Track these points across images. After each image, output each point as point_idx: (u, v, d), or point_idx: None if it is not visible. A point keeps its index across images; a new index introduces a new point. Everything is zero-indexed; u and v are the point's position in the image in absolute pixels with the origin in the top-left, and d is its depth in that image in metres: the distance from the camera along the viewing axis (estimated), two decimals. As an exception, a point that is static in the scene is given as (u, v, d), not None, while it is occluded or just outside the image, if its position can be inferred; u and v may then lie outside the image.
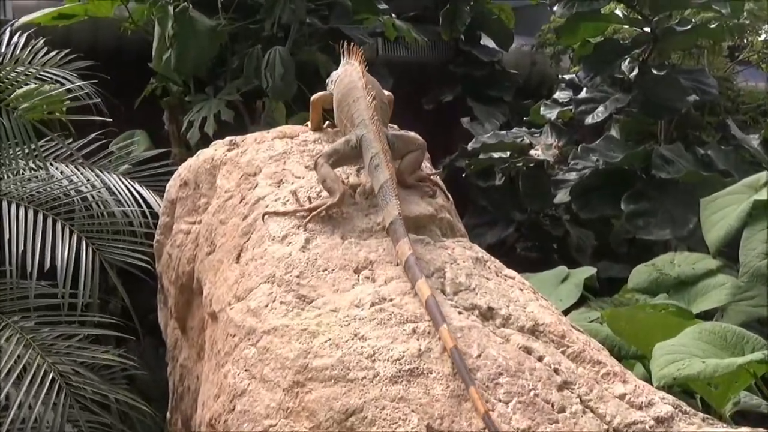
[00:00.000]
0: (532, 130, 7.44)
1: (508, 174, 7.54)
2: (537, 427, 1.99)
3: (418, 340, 2.13)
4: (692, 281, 4.28)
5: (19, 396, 3.83)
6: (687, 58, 7.97)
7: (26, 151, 4.55)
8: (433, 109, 8.99)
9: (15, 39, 4.92)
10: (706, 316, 4.08)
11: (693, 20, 7.01)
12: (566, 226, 7.44)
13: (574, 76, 7.36)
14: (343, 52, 3.04)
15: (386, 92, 2.95)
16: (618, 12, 7.51)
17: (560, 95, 7.28)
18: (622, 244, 7.02)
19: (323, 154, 2.62)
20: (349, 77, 2.83)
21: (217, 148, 3.16)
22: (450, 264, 2.44)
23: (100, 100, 4.83)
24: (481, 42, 9.23)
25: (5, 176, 4.61)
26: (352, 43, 3.01)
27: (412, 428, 1.95)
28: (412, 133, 2.88)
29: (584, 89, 6.92)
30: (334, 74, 3.05)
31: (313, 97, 3.07)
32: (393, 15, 7.00)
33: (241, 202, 2.82)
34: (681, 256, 4.57)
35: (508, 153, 7.22)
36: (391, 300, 2.26)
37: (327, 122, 3.09)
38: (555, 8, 6.70)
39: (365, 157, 2.57)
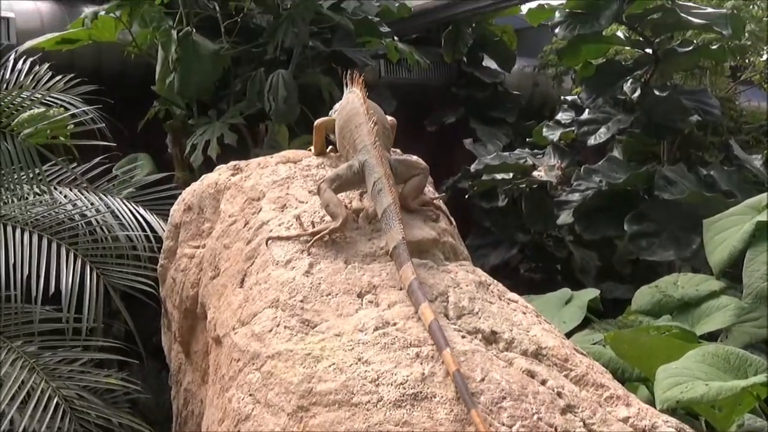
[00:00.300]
0: (535, 151, 7.46)
1: (511, 195, 7.56)
2: (541, 451, 1.99)
3: (421, 364, 2.13)
4: (696, 303, 4.27)
5: (24, 420, 3.83)
6: (689, 79, 8.01)
7: (31, 175, 4.57)
8: (435, 130, 9.02)
9: (19, 64, 4.93)
10: (710, 337, 4.07)
11: (694, 41, 7.05)
12: (570, 248, 7.44)
13: (576, 97, 7.38)
14: (346, 81, 3.05)
15: (389, 117, 2.97)
16: (619, 33, 7.54)
17: (563, 116, 7.30)
18: (625, 265, 7.01)
19: (326, 180, 2.63)
20: (351, 104, 2.85)
21: (221, 173, 3.18)
22: (453, 288, 2.45)
23: (104, 124, 4.85)
24: (484, 63, 9.26)
25: (10, 201, 4.62)
26: (353, 71, 3.02)
27: (416, 453, 1.96)
28: (414, 158, 2.90)
29: (586, 110, 6.94)
30: (337, 105, 3.08)
31: (316, 123, 3.09)
32: (395, 38, 7.03)
33: (245, 226, 2.83)
34: (684, 278, 4.57)
35: (511, 174, 7.23)
36: (394, 324, 2.26)
37: (330, 147, 3.11)
38: (557, 30, 6.72)
39: (368, 182, 2.58)
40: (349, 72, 3.06)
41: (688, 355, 3.09)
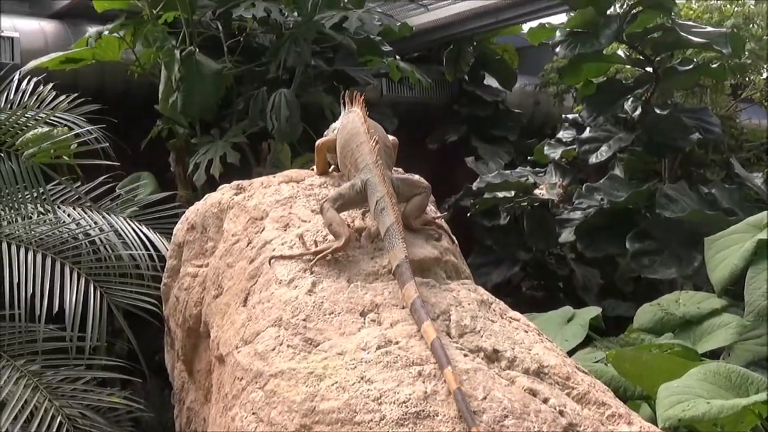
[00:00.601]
0: (537, 169, 7.49)
1: (513, 213, 7.57)
2: (543, 469, 2.00)
3: (424, 382, 2.14)
4: (698, 320, 4.27)
5: (27, 440, 3.84)
6: (690, 97, 8.04)
7: (35, 194, 4.59)
8: (437, 148, 9.06)
9: (24, 84, 4.96)
10: (712, 355, 4.07)
11: (695, 60, 7.08)
12: (571, 265, 7.45)
13: (577, 115, 7.40)
14: (344, 102, 3.08)
15: (390, 137, 2.99)
16: (620, 52, 7.58)
17: (564, 134, 7.32)
18: (628, 282, 7.02)
19: (329, 199, 2.65)
20: (351, 123, 2.87)
21: (224, 192, 3.20)
22: (455, 306, 2.46)
23: (108, 144, 4.87)
24: (485, 82, 9.31)
25: (14, 220, 4.64)
26: (353, 90, 3.04)
27: (418, 471, 1.96)
28: (416, 177, 2.92)
29: (588, 129, 6.96)
30: (335, 124, 3.10)
31: (317, 143, 3.11)
32: (397, 56, 7.06)
33: (248, 245, 2.84)
34: (686, 296, 4.57)
35: (513, 192, 7.25)
36: (397, 343, 2.27)
37: (332, 166, 3.13)
38: (557, 49, 6.75)
39: (370, 201, 2.60)
40: (347, 92, 3.08)
41: (689, 374, 3.10)
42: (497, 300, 2.66)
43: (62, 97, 4.94)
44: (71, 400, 4.15)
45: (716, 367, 3.12)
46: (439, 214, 3.02)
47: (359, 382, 2.14)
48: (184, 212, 3.41)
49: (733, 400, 2.85)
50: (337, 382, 2.14)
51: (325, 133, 3.20)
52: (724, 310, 4.28)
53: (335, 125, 3.10)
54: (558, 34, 6.83)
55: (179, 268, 3.27)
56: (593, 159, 6.71)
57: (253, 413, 2.21)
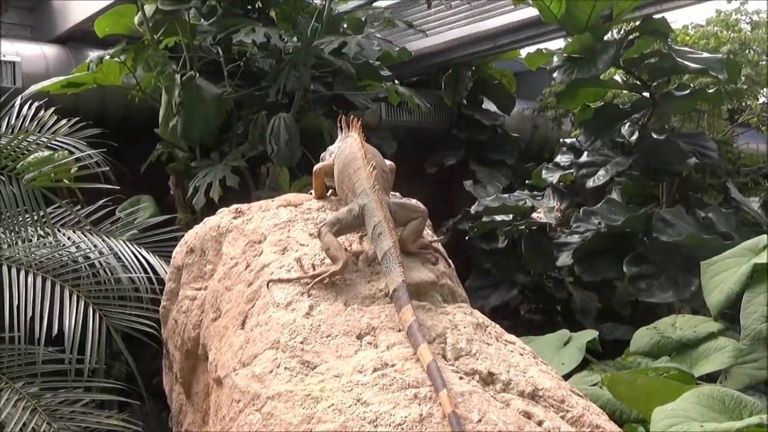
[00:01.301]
0: (534, 193, 7.51)
1: (511, 237, 7.59)
2: (537, 491, 2.01)
3: (419, 405, 2.15)
4: (694, 344, 4.28)
5: (26, 462, 3.85)
6: (687, 122, 8.08)
7: (35, 217, 4.62)
8: (436, 172, 9.10)
9: (25, 109, 5.01)
10: (709, 378, 4.09)
11: (691, 85, 7.12)
12: (569, 289, 7.47)
13: (575, 139, 7.43)
14: (341, 126, 3.11)
15: (388, 162, 3.02)
16: (617, 77, 7.64)
17: (562, 159, 7.34)
18: (625, 306, 7.04)
19: (327, 223, 2.67)
20: (349, 148, 2.89)
21: (223, 216, 3.22)
22: (451, 330, 2.48)
23: (108, 167, 4.91)
24: (483, 106, 9.39)
25: (15, 243, 4.67)
26: (351, 115, 3.08)
27: (413, 493, 1.98)
28: (413, 201, 2.94)
29: (585, 153, 6.98)
30: (332, 147, 3.13)
31: (315, 167, 3.13)
32: (396, 81, 7.11)
33: (246, 269, 2.86)
34: (683, 319, 4.58)
35: (511, 216, 7.28)
36: (393, 365, 2.28)
37: (330, 191, 3.16)
38: (555, 74, 6.79)
39: (368, 225, 2.62)
40: (344, 116, 3.12)
41: (684, 397, 3.11)
42: (493, 323, 2.67)
43: (63, 122, 4.99)
44: (69, 422, 4.16)
45: (710, 391, 3.13)
46: (435, 238, 3.04)
47: (355, 404, 2.15)
48: (183, 235, 3.43)
49: (727, 423, 2.86)
50: (333, 405, 2.15)
51: (322, 156, 3.23)
52: (721, 333, 4.29)
53: (332, 148, 3.13)
54: (555, 59, 6.87)
55: (178, 291, 3.28)
56: (591, 183, 6.73)
57: (251, 435, 2.22)
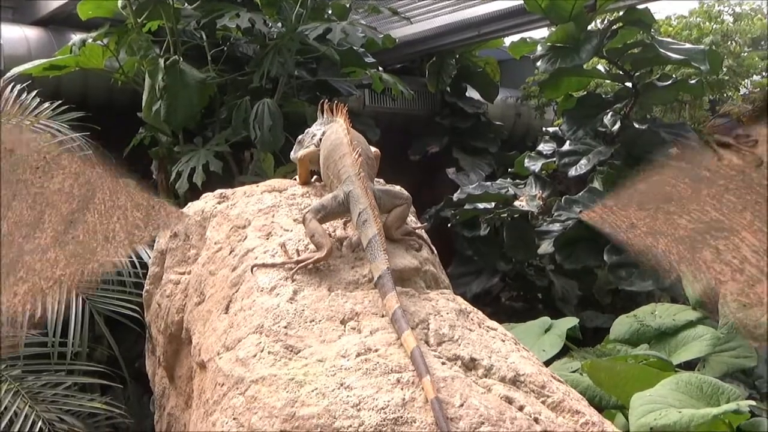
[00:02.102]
0: (517, 181, 7.53)
1: (493, 224, 7.60)
2: (517, 475, 2.04)
3: (402, 389, 2.17)
4: (673, 332, 4.33)
5: (6, 444, 3.85)
6: (668, 112, 8.12)
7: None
8: (419, 159, 9.10)
9: (7, 92, 4.98)
10: (687, 366, 4.13)
11: (673, 76, 7.16)
12: (550, 277, 7.49)
13: (557, 128, 7.45)
14: (322, 110, 3.12)
15: (372, 148, 3.03)
16: (600, 67, 7.66)
17: (544, 147, 7.36)
18: (606, 294, 7.07)
19: (311, 210, 2.68)
20: (335, 134, 2.90)
21: (208, 201, 3.23)
22: (434, 316, 2.50)
23: (90, 151, 4.89)
24: (467, 94, 9.39)
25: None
26: (336, 101, 3.09)
27: (396, 476, 2.00)
28: (398, 188, 2.96)
29: (567, 142, 7.00)
30: (310, 130, 3.14)
31: (300, 153, 3.15)
32: (380, 68, 7.12)
33: (230, 253, 2.87)
34: (662, 308, 4.63)
35: (493, 204, 7.30)
36: (376, 350, 2.30)
37: (314, 177, 3.17)
38: (538, 63, 6.81)
39: (353, 212, 2.64)
40: (328, 102, 3.13)
41: (662, 383, 3.15)
42: (475, 309, 2.70)
43: (46, 105, 4.97)
44: (51, 405, 4.17)
45: (688, 378, 3.18)
46: (419, 225, 3.06)
47: (339, 388, 2.17)
48: (166, 220, 3.43)
49: (704, 410, 2.90)
50: (317, 389, 2.17)
51: (300, 138, 3.24)
52: (699, 322, 4.34)
53: (311, 130, 3.15)
54: (539, 48, 6.89)
55: (161, 275, 3.29)
56: (573, 172, 6.76)
57: (234, 418, 2.23)
